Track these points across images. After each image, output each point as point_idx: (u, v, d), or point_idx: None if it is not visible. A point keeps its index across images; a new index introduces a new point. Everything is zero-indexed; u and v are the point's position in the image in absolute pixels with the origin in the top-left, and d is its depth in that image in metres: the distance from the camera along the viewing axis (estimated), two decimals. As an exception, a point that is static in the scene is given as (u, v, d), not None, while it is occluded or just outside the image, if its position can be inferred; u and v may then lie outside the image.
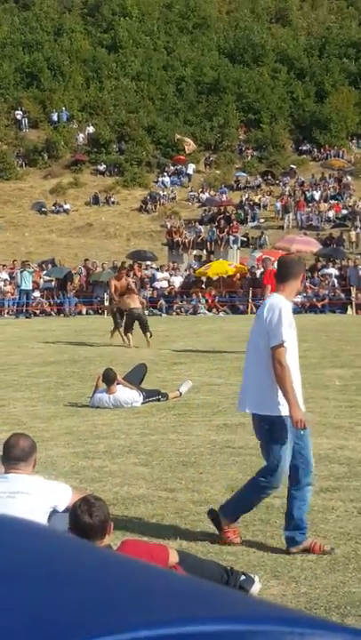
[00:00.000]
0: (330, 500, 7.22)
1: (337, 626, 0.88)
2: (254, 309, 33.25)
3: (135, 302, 20.60)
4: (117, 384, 12.16)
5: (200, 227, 42.83)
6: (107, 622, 0.86)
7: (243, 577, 5.21)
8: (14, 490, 4.97)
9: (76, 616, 0.92)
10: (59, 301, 35.87)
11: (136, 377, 12.75)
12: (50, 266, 39.07)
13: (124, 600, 0.96)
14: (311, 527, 6.42)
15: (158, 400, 12.47)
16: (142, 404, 12.27)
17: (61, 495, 5.15)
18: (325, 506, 7.04)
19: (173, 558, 4.91)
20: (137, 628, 0.83)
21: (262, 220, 50.95)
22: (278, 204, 51.33)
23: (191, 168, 59.48)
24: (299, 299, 33.33)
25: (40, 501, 5.01)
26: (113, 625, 0.85)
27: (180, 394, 12.79)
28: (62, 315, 34.38)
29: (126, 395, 12.21)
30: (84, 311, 35.29)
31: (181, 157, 59.10)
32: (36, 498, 4.99)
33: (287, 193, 53.22)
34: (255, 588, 5.18)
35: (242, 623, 0.89)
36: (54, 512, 5.08)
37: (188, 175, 59.35)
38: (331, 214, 49.87)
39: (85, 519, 4.43)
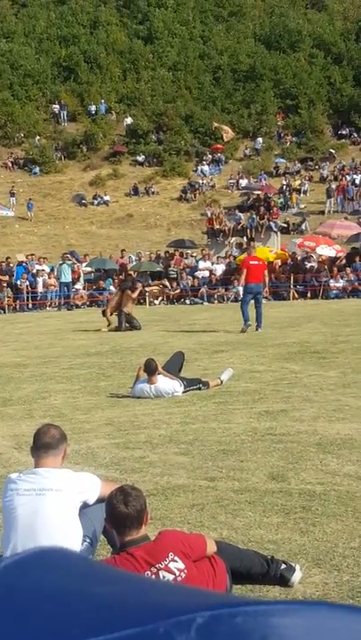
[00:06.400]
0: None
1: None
2: (296, 295, 33.10)
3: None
4: (158, 374, 12.10)
5: (240, 214, 42.54)
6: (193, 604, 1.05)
7: (283, 566, 5.10)
8: (44, 487, 4.90)
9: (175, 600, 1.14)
10: (98, 292, 35.94)
11: (174, 366, 12.64)
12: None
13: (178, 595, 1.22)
14: None
15: (199, 389, 12.37)
16: (183, 393, 12.18)
17: (90, 488, 5.09)
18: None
19: (212, 548, 4.83)
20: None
21: (303, 206, 50.69)
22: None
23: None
24: (341, 283, 33.08)
25: (70, 498, 4.95)
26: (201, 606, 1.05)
27: (222, 382, 12.69)
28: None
29: (167, 384, 12.13)
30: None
31: (219, 146, 58.89)
32: (65, 494, 4.92)
33: (326, 177, 52.89)
34: (296, 577, 5.06)
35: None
36: (85, 505, 5.04)
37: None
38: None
39: (121, 509, 4.37)
